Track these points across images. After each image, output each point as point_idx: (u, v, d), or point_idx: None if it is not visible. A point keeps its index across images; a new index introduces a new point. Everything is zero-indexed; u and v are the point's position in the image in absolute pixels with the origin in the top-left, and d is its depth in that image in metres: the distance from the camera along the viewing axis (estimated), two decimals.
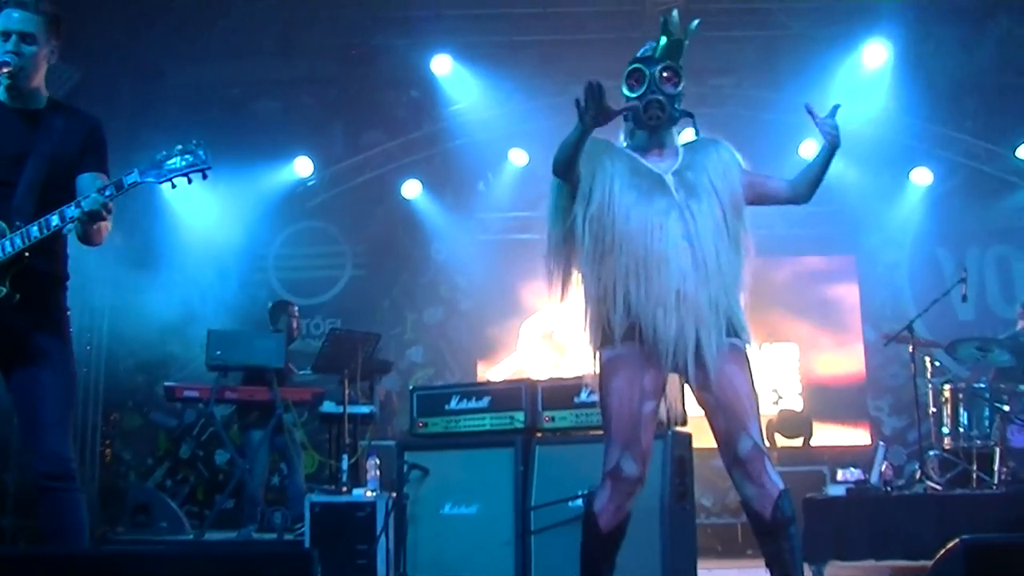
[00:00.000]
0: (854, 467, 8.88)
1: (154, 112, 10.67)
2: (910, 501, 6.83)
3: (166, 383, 8.14)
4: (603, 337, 3.74)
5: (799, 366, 10.50)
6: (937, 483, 7.45)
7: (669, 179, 3.80)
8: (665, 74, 3.82)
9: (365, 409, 8.18)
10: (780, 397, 10.37)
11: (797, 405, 10.32)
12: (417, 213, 10.80)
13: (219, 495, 8.97)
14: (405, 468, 6.10)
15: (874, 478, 7.72)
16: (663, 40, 3.83)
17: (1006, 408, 7.48)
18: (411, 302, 10.73)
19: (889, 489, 7.28)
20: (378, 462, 6.60)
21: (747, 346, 3.83)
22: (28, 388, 3.65)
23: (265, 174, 10.40)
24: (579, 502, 5.60)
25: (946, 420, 7.82)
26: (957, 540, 2.21)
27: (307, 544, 6.44)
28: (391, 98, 10.94)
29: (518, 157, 10.69)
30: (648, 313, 3.63)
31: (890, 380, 10.34)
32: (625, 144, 3.97)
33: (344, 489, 7.04)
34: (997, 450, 7.41)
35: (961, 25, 9.85)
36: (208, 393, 7.55)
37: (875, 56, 10.14)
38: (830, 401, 10.30)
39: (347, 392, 7.72)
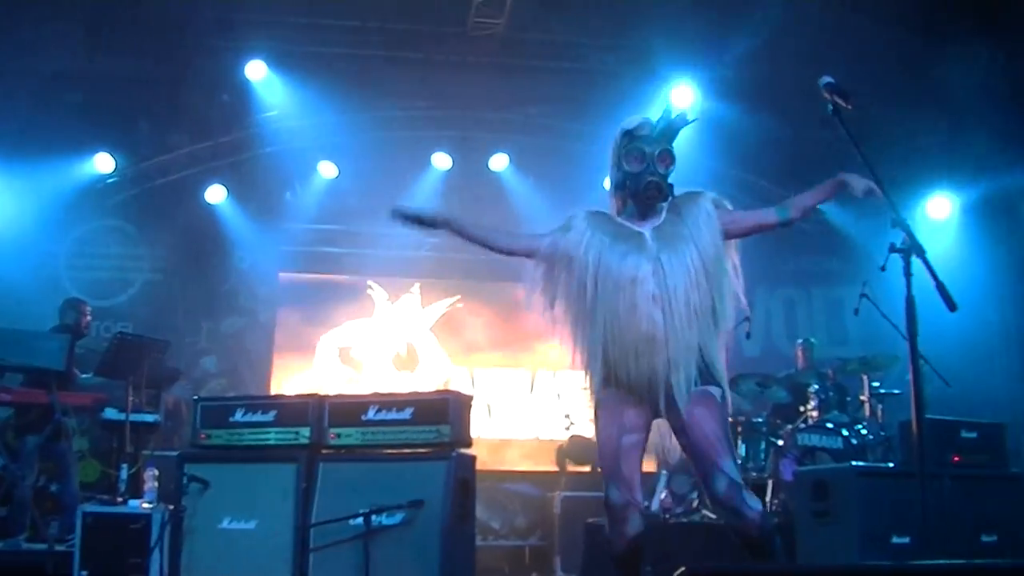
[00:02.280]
0: None
1: None
2: (685, 529, 7.06)
3: None
4: (592, 385, 4.16)
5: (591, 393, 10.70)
6: (713, 512, 7.71)
7: (648, 234, 4.13)
8: (664, 156, 4.13)
9: (149, 418, 7.94)
10: (572, 423, 10.55)
11: (588, 431, 10.49)
12: (221, 219, 10.56)
13: None
14: (184, 480, 5.95)
15: (654, 505, 7.94)
16: (662, 123, 4.14)
17: (780, 442, 7.84)
18: (208, 310, 10.47)
19: (667, 517, 7.51)
20: (156, 473, 6.42)
21: (721, 391, 4.08)
22: None
23: (63, 168, 9.98)
24: (359, 520, 5.60)
25: None
26: (681, 569, 2.30)
27: (77, 555, 6.19)
28: (201, 100, 10.66)
29: (327, 169, 10.59)
30: (622, 362, 4.02)
31: None
32: (616, 212, 4.26)
33: (120, 500, 6.81)
34: (770, 482, 7.74)
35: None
36: None
37: (684, 97, 10.46)
38: None
39: (131, 399, 7.46)
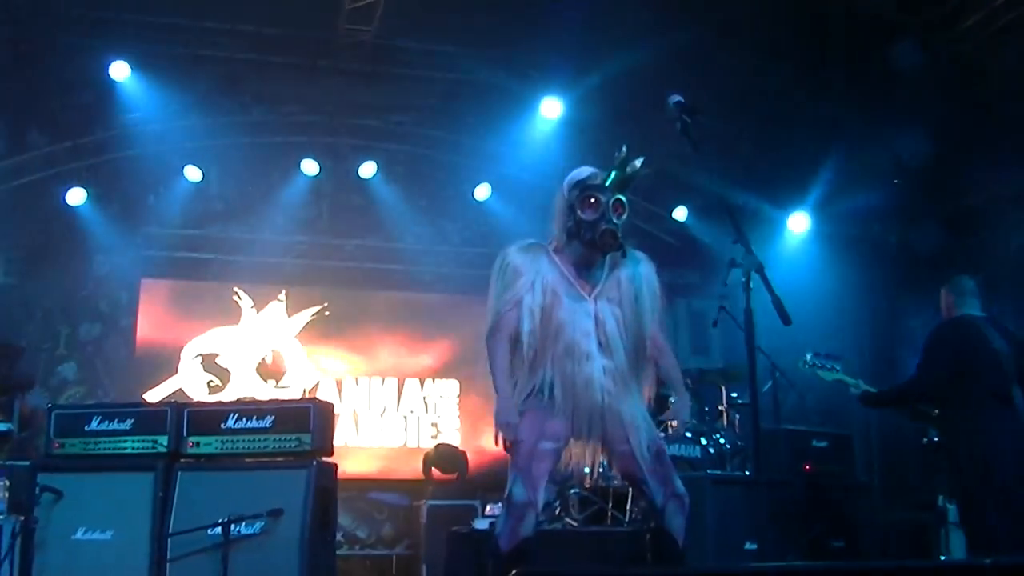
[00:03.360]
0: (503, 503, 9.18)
1: None
2: (546, 536, 7.12)
3: None
4: (524, 393, 4.31)
5: (458, 402, 10.75)
6: (575, 519, 7.82)
7: (594, 305, 4.36)
8: (617, 206, 4.30)
9: (2, 427, 7.72)
10: (439, 432, 10.59)
11: (455, 439, 10.56)
12: (80, 222, 10.24)
13: None
14: (37, 490, 5.80)
15: None
16: (615, 173, 4.31)
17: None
18: (66, 316, 10.15)
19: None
20: (7, 483, 6.24)
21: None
22: None
23: None
24: (218, 530, 5.54)
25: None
26: (514, 572, 2.35)
27: None
28: (61, 100, 10.36)
29: (192, 173, 10.41)
30: (569, 401, 4.24)
31: None
32: (555, 247, 4.46)
33: None
34: (631, 491, 7.88)
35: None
36: None
37: (551, 110, 10.58)
38: (488, 437, 10.57)
39: None
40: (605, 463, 4.43)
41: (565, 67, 10.53)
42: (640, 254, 4.54)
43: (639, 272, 4.46)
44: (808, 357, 6.75)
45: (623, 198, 4.33)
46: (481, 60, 10.69)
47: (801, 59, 9.88)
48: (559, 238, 4.45)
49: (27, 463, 6.46)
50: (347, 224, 11.02)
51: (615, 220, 4.29)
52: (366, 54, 10.33)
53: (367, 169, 10.89)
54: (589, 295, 4.37)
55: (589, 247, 4.34)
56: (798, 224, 11.12)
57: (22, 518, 5.86)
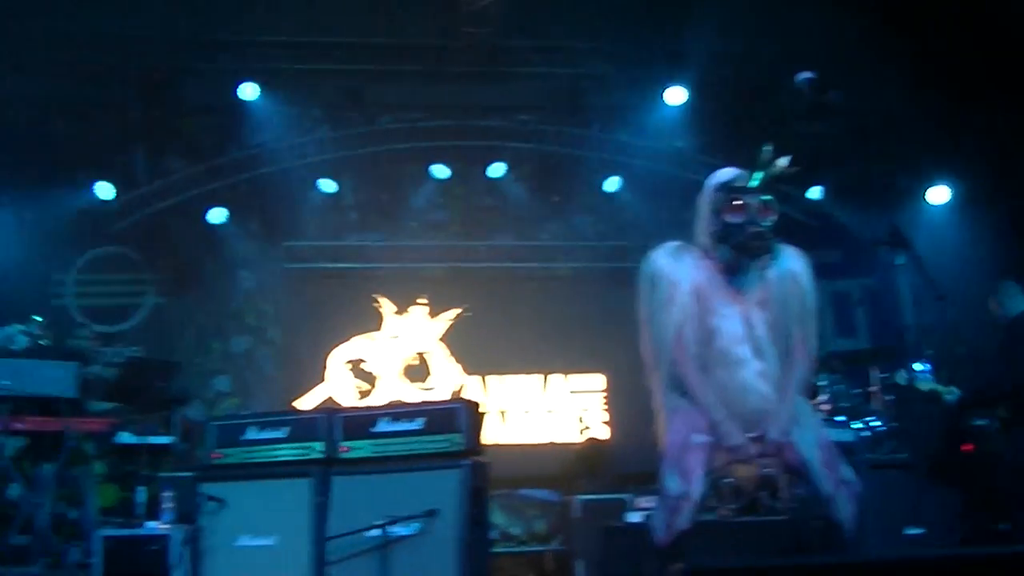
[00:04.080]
0: (656, 495, 9.12)
1: None
2: (699, 527, 7.04)
3: None
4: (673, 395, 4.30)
5: (604, 395, 10.71)
6: (728, 509, 7.71)
7: (743, 309, 4.29)
8: (764, 208, 4.22)
9: (164, 440, 7.98)
10: (586, 426, 10.57)
11: (604, 433, 10.53)
12: (223, 240, 10.58)
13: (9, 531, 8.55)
14: (200, 500, 5.98)
15: None
16: (760, 173, 4.23)
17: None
18: (217, 331, 10.49)
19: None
20: (173, 494, 6.45)
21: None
22: None
23: (61, 198, 10.02)
24: (376, 532, 5.62)
25: None
26: (679, 565, 2.32)
27: None
28: (196, 123, 10.72)
29: (326, 186, 10.63)
30: (722, 395, 4.21)
31: None
32: (702, 250, 4.37)
33: (138, 522, 6.84)
34: (783, 477, 7.72)
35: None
36: None
37: (676, 96, 10.49)
38: (637, 430, 10.50)
39: (144, 422, 7.50)
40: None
41: (687, 52, 10.45)
42: (792, 250, 4.41)
43: (790, 271, 4.34)
44: (902, 374, 6.58)
45: (771, 199, 4.24)
46: (601, 53, 10.67)
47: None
48: (705, 242, 4.36)
49: (190, 474, 6.68)
50: (480, 225, 11.11)
51: (763, 223, 4.21)
52: (486, 55, 10.40)
53: (496, 170, 10.95)
54: (739, 299, 4.29)
55: (737, 251, 4.26)
56: (938, 196, 10.78)
57: (188, 527, 6.06)
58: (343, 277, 10.77)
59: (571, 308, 10.71)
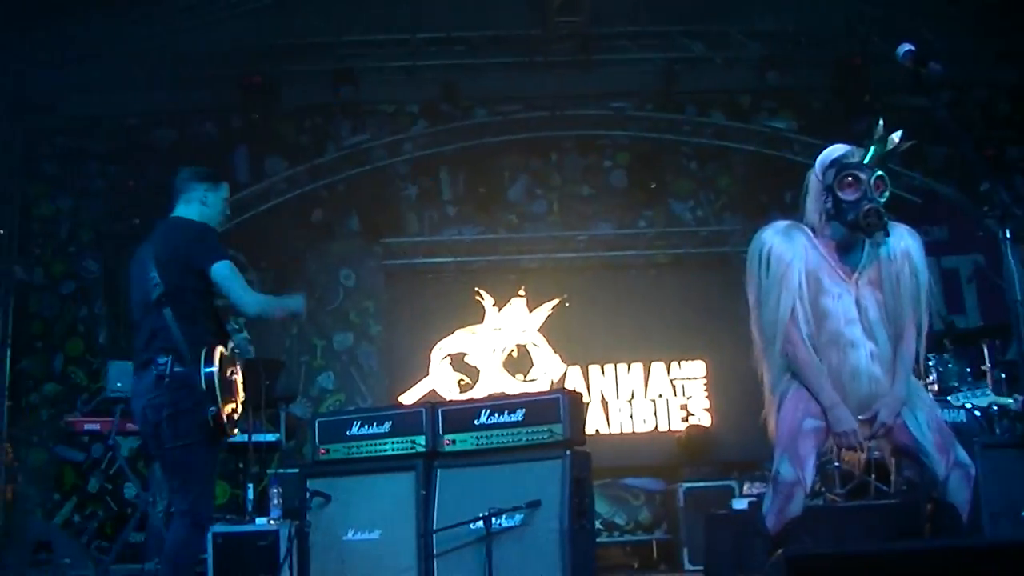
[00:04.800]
0: (761, 481, 9.04)
1: (48, 145, 10.67)
2: (808, 513, 6.94)
3: (67, 417, 8.01)
4: (784, 377, 4.25)
5: (706, 382, 10.60)
6: (837, 494, 7.59)
7: (856, 292, 4.21)
8: (879, 183, 4.16)
9: (271, 437, 8.13)
10: (690, 414, 10.48)
11: (706, 420, 10.44)
12: (324, 239, 10.75)
13: (125, 529, 8.83)
14: (307, 496, 6.08)
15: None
16: (873, 148, 4.15)
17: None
18: (319, 328, 10.64)
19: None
20: (280, 490, 6.57)
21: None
22: None
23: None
24: (480, 524, 5.66)
25: None
26: (779, 552, 2.28)
27: (210, 575, 6.38)
28: (294, 125, 10.93)
29: (423, 181, 10.71)
30: (835, 378, 4.14)
31: None
32: (813, 229, 4.31)
33: (248, 518, 6.99)
34: (893, 460, 7.57)
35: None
36: (110, 426, 7.44)
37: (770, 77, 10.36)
38: (740, 417, 10.39)
39: (251, 420, 7.65)
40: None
41: (778, 30, 10.34)
42: (904, 228, 4.31)
43: (902, 249, 4.24)
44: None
45: (884, 175, 4.16)
46: (692, 35, 10.58)
47: None
48: (815, 220, 4.29)
49: (296, 470, 6.80)
50: (578, 215, 11.09)
51: (878, 199, 4.12)
52: (579, 44, 10.39)
53: (593, 159, 10.93)
54: (851, 279, 4.21)
55: (851, 228, 4.17)
56: None
57: (296, 523, 6.16)
58: (442, 272, 10.84)
59: (671, 295, 10.62)
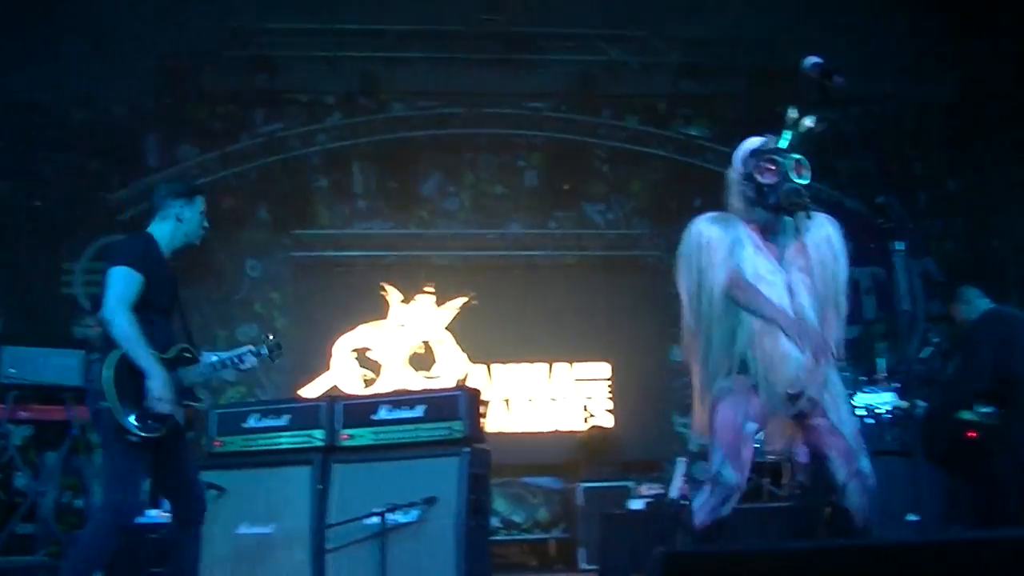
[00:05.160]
0: (658, 482, 9.16)
1: None
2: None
3: None
4: (716, 374, 4.22)
5: (610, 384, 10.68)
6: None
7: (783, 271, 4.24)
8: (798, 166, 4.21)
9: None
10: (591, 415, 10.56)
11: (607, 421, 10.52)
12: (232, 228, 10.55)
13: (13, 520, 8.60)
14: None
15: (672, 492, 7.94)
16: (788, 133, 4.23)
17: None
18: (223, 319, 10.48)
19: (686, 503, 7.50)
20: None
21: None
22: (186, 455, 4.94)
23: (72, 186, 10.06)
24: (375, 520, 5.64)
25: None
26: (658, 550, 2.31)
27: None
28: (209, 111, 10.76)
29: (337, 173, 10.62)
30: (768, 363, 4.14)
31: None
32: (742, 219, 4.33)
33: (140, 511, 6.85)
34: (787, 465, 7.72)
35: None
36: (1, 413, 7.26)
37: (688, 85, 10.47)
38: (641, 418, 10.51)
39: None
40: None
41: (696, 38, 10.46)
42: (825, 217, 4.38)
43: (824, 235, 4.31)
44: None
45: (803, 158, 4.22)
46: (613, 40, 10.66)
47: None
48: (739, 208, 4.33)
49: None
50: (489, 214, 11.09)
51: (798, 180, 4.18)
52: (500, 43, 10.40)
53: (507, 158, 10.94)
54: (781, 264, 4.25)
55: (775, 211, 4.22)
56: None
57: None
58: (351, 266, 10.75)
59: (579, 296, 10.68)
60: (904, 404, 6.58)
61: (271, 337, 5.30)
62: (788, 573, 2.48)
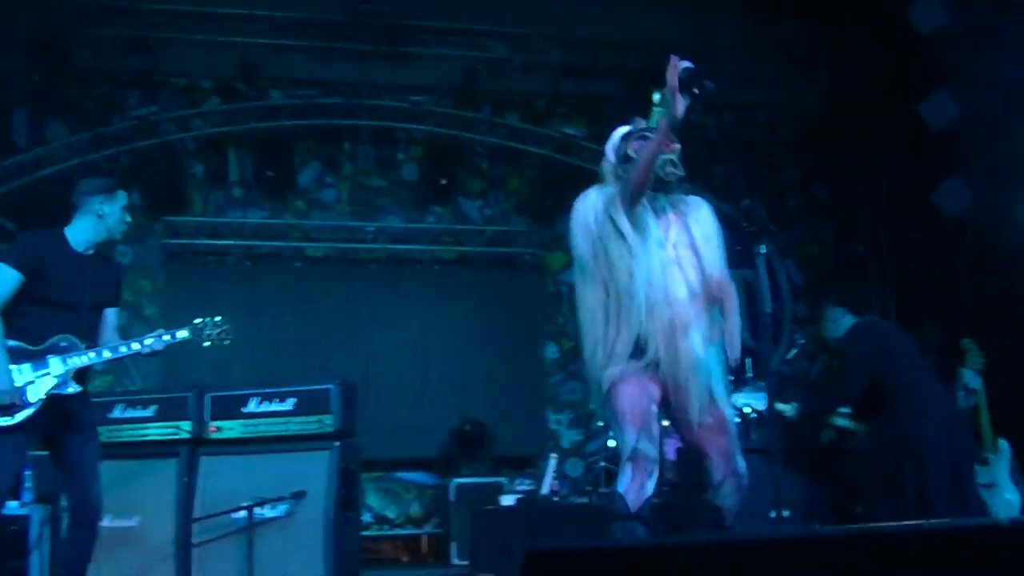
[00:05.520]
0: (531, 479, 9.24)
1: None
2: (569, 510, 7.15)
3: None
4: (615, 356, 4.15)
5: (485, 379, 10.71)
6: (602, 493, 7.82)
7: (663, 236, 4.22)
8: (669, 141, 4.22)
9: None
10: (466, 409, 10.56)
11: (482, 417, 10.53)
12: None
13: None
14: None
15: (544, 489, 8.03)
16: (657, 112, 4.22)
17: (665, 423, 7.95)
18: None
19: (556, 499, 7.60)
20: (33, 473, 6.29)
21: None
22: (80, 452, 4.89)
23: None
24: (242, 513, 5.58)
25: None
26: (525, 548, 2.34)
27: None
28: (80, 90, 10.45)
29: (212, 160, 10.42)
30: (662, 340, 4.11)
31: (569, 395, 10.78)
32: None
33: None
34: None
35: None
36: None
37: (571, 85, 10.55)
38: (515, 414, 10.56)
39: None
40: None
41: (580, 41, 10.56)
42: (698, 198, 4.45)
43: (701, 215, 4.36)
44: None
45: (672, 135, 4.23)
46: (498, 36, 10.69)
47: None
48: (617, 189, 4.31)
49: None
50: (367, 206, 11.02)
51: (670, 153, 4.22)
52: (383, 34, 10.34)
53: (386, 151, 10.89)
54: (668, 242, 4.23)
55: (652, 187, 4.20)
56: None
57: (50, 507, 5.92)
58: (224, 254, 10.57)
59: (456, 291, 10.71)
60: (786, 408, 6.75)
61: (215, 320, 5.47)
62: (652, 569, 2.52)
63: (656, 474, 4.08)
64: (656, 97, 4.25)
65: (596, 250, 4.23)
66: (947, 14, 8.47)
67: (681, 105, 4.02)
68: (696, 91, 4.06)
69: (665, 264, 4.19)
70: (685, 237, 4.29)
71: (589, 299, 4.25)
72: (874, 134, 10.54)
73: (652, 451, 4.06)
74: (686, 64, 4.12)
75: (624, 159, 4.31)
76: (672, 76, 3.99)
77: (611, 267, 4.20)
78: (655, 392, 4.15)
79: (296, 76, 10.74)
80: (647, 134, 4.24)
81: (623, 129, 4.43)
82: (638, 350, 4.13)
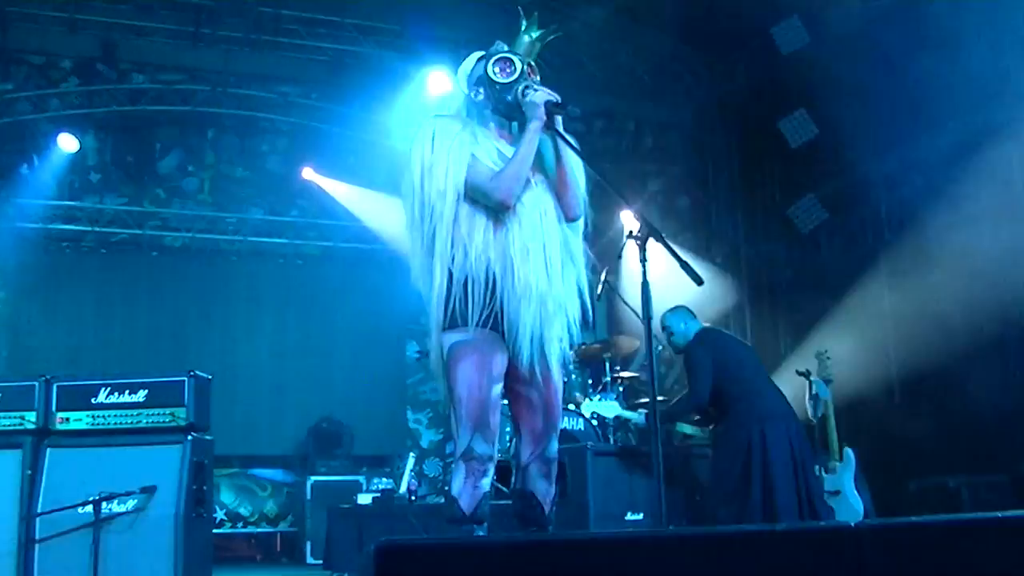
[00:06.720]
0: (388, 477, 9.20)
1: None
2: (426, 510, 7.14)
3: None
4: (451, 321, 3.75)
5: (344, 375, 10.62)
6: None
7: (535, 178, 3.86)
8: (530, 68, 3.94)
9: None
10: (324, 405, 10.45)
11: (340, 414, 10.44)
12: None
13: None
14: None
15: (401, 488, 8.00)
16: (521, 37, 3.97)
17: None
18: None
19: (413, 499, 7.58)
20: None
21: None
22: None
23: None
24: (89, 508, 5.39)
25: None
26: (375, 543, 2.31)
27: None
28: None
29: (68, 143, 10.09)
30: (510, 306, 3.71)
31: (431, 394, 10.77)
32: (472, 127, 3.88)
33: None
34: (514, 463, 7.88)
35: None
36: None
37: (438, 84, 10.50)
38: (373, 412, 10.50)
39: None
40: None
41: (454, 41, 10.53)
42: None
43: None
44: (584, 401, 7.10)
45: (534, 63, 3.95)
46: (368, 31, 10.61)
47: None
48: (470, 109, 3.95)
49: None
50: (229, 196, 10.82)
51: (533, 81, 3.87)
52: (251, 22, 10.17)
53: (251, 141, 10.72)
54: (533, 176, 3.85)
55: (511, 109, 3.87)
56: None
57: None
58: (80, 241, 10.25)
59: (318, 287, 10.60)
60: (632, 415, 6.88)
61: None
62: (503, 565, 2.52)
63: (490, 472, 3.76)
64: (525, 21, 4.01)
65: (450, 149, 3.79)
66: (808, 35, 8.73)
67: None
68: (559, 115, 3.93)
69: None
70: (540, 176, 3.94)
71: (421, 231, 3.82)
72: (732, 151, 10.83)
73: (486, 450, 3.72)
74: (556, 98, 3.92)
75: (478, 82, 3.91)
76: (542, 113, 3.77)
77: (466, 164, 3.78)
78: (499, 368, 3.74)
79: (159, 60, 10.49)
80: (510, 57, 3.89)
81: (475, 54, 4.00)
82: (486, 315, 3.71)
